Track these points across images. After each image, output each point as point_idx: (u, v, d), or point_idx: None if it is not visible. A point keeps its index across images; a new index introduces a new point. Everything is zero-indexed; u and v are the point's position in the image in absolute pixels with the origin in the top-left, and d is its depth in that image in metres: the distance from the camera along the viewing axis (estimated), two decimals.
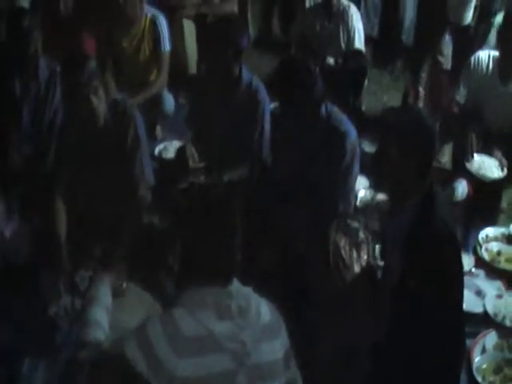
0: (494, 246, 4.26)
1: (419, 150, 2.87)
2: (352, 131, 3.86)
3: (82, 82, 3.54)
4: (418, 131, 2.87)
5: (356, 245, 3.29)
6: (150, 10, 5.14)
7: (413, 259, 2.81)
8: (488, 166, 4.50)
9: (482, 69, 4.55)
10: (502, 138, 4.59)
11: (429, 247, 2.79)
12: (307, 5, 6.57)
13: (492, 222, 4.53)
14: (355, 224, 3.42)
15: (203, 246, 2.34)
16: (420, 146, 2.86)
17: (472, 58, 4.61)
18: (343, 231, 3.33)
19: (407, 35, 6.83)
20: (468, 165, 4.48)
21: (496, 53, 4.59)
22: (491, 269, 4.13)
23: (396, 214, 3.02)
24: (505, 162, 4.50)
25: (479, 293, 3.92)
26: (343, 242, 3.27)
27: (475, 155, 4.52)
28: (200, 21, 5.74)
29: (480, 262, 4.16)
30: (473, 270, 4.09)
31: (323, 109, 3.85)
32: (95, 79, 3.60)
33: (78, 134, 3.78)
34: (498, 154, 4.53)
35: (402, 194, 2.93)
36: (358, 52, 5.73)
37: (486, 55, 4.58)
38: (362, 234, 3.36)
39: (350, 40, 5.73)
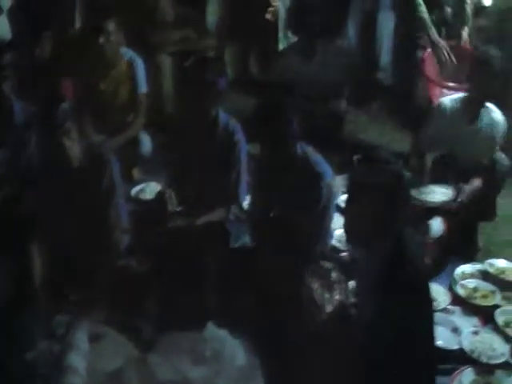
0: (470, 283, 4.28)
1: (393, 195, 2.91)
2: (328, 172, 3.90)
3: (54, 124, 3.55)
4: (394, 179, 2.92)
5: (328, 286, 3.32)
6: (127, 53, 5.19)
7: (384, 299, 2.84)
8: (438, 192, 4.53)
9: (446, 113, 4.57)
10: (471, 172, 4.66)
11: (400, 288, 2.82)
12: (281, 46, 6.64)
13: (468, 259, 4.54)
14: (327, 265, 3.45)
15: (178, 290, 2.36)
16: (394, 191, 2.91)
17: (436, 105, 4.65)
18: (315, 272, 3.35)
19: (384, 74, 6.90)
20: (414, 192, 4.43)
21: (459, 95, 4.65)
22: (467, 305, 4.15)
23: (369, 255, 3.05)
24: (460, 190, 4.54)
25: (455, 330, 3.92)
26: (315, 283, 3.30)
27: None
28: (178, 61, 5.78)
29: (456, 299, 4.18)
30: (449, 306, 4.12)
31: (299, 149, 3.89)
32: (68, 121, 3.59)
33: (53, 177, 3.76)
34: (467, 187, 4.60)
35: (375, 236, 2.96)
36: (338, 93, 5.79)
37: (448, 100, 4.63)
38: (334, 275, 3.39)
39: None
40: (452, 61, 5.23)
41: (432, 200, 4.53)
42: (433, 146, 4.70)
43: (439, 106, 4.63)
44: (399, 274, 2.85)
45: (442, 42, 5.23)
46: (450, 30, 5.69)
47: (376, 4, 6.74)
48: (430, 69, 5.38)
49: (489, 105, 4.61)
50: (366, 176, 2.93)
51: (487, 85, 4.45)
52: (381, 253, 2.92)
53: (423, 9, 5.16)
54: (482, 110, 4.59)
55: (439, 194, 4.57)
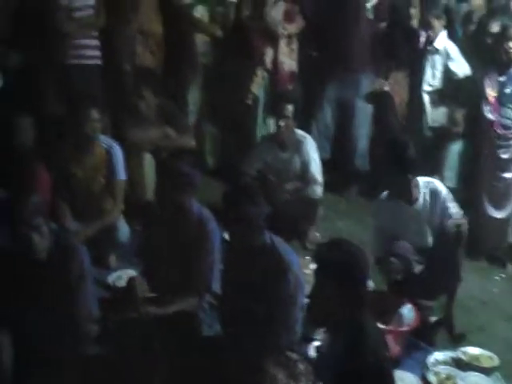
0: (443, 370, 4.28)
1: (352, 281, 2.94)
2: (295, 261, 3.93)
3: (23, 219, 3.58)
4: (350, 263, 2.95)
5: (294, 377, 3.31)
6: (105, 141, 5.23)
7: None
8: None
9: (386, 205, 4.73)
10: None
11: (358, 378, 2.82)
12: (259, 134, 6.74)
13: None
14: (294, 356, 3.44)
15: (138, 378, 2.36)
16: (352, 277, 2.94)
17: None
18: (281, 363, 3.35)
19: (361, 160, 6.98)
20: None
21: None
22: None
23: (329, 345, 3.06)
24: None
25: None
26: (281, 375, 3.29)
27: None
28: (158, 154, 5.81)
29: None
30: None
31: (267, 238, 3.94)
32: (38, 216, 3.62)
33: (20, 268, 3.74)
34: None
35: (335, 325, 2.97)
36: (313, 182, 5.89)
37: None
38: (300, 366, 3.38)
39: (305, 170, 5.91)
40: None
41: None
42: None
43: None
44: (360, 364, 2.85)
45: None
46: None
47: (354, 92, 6.86)
48: None
49: None
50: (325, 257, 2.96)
51: None
52: (341, 341, 2.93)
53: None
54: None
55: None
